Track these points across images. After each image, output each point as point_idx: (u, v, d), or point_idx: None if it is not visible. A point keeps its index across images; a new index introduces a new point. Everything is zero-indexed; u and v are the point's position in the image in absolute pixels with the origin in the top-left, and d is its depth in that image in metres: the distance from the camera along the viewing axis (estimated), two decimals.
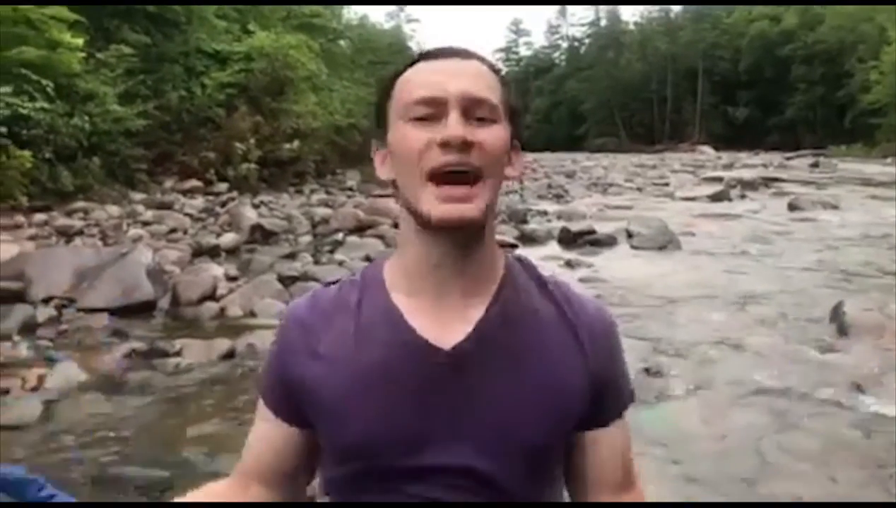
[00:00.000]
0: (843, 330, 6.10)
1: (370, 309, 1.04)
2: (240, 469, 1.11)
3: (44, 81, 12.24)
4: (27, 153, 11.35)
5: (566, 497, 1.13)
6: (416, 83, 0.97)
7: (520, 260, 1.12)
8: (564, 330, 1.05)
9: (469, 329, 1.01)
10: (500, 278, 1.05)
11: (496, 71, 1.02)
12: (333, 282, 1.11)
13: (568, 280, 1.22)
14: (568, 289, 1.10)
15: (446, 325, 1.01)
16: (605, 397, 1.06)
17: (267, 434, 1.09)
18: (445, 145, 0.92)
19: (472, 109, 0.94)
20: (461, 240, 0.98)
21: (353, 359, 1.01)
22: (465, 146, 0.93)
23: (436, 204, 0.94)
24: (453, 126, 0.92)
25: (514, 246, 10.93)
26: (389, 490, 1.00)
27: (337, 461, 1.04)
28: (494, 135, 0.96)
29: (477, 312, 1.02)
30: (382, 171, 1.03)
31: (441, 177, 0.93)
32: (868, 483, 3.62)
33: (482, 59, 1.01)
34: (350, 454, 1.01)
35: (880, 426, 4.30)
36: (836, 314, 6.40)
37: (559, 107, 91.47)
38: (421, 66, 0.99)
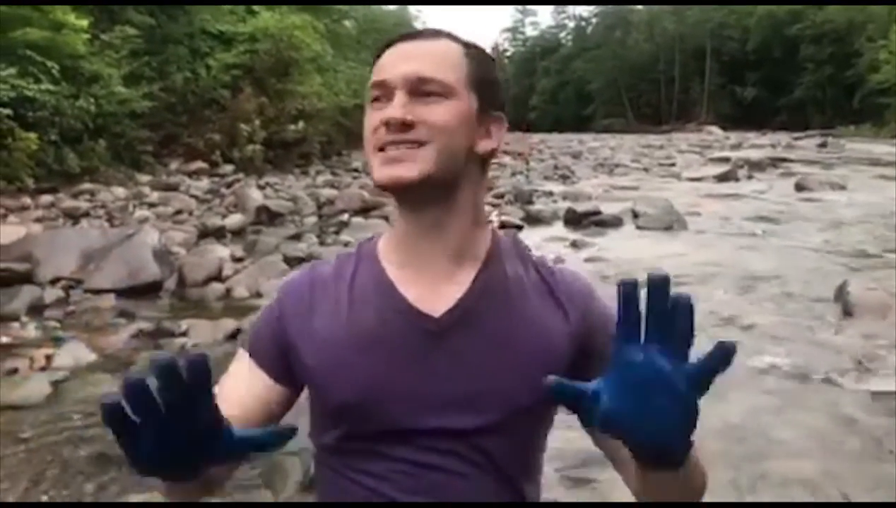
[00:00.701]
0: (847, 310, 6.10)
1: (364, 279, 1.08)
2: None
3: (49, 63, 12.24)
4: (33, 135, 11.37)
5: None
6: (376, 67, 1.03)
7: (509, 236, 1.17)
8: (547, 297, 1.09)
9: (457, 297, 1.05)
10: (486, 250, 1.09)
11: (468, 47, 1.05)
12: (328, 260, 1.16)
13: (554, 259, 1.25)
14: (551, 264, 1.16)
15: (435, 294, 1.05)
16: (592, 358, 1.07)
17: (250, 381, 1.09)
18: (387, 125, 0.98)
19: (419, 88, 0.99)
20: (422, 207, 1.03)
21: (347, 326, 1.05)
22: (405, 126, 0.98)
23: (378, 169, 1.00)
24: (393, 107, 0.98)
25: (519, 226, 10.93)
26: (378, 453, 1.04)
27: (328, 422, 1.08)
28: (441, 110, 0.99)
29: (464, 281, 1.06)
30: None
31: (384, 147, 1.00)
32: (870, 459, 3.64)
33: (451, 37, 1.05)
34: (341, 414, 1.05)
35: (883, 404, 4.31)
36: (841, 293, 6.40)
37: (566, 88, 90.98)
38: (387, 52, 1.03)
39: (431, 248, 1.05)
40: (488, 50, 1.12)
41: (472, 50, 1.05)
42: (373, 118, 1.01)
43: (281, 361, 1.08)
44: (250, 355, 1.11)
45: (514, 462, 1.08)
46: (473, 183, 1.05)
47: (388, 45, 1.04)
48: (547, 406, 1.08)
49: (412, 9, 50.86)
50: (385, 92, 1.00)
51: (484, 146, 1.05)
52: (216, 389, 1.05)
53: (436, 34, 1.04)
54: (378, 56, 1.05)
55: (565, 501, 3.26)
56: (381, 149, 0.99)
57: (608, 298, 1.10)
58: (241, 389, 1.09)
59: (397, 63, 1.00)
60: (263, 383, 1.09)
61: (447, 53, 1.02)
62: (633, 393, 0.75)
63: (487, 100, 1.04)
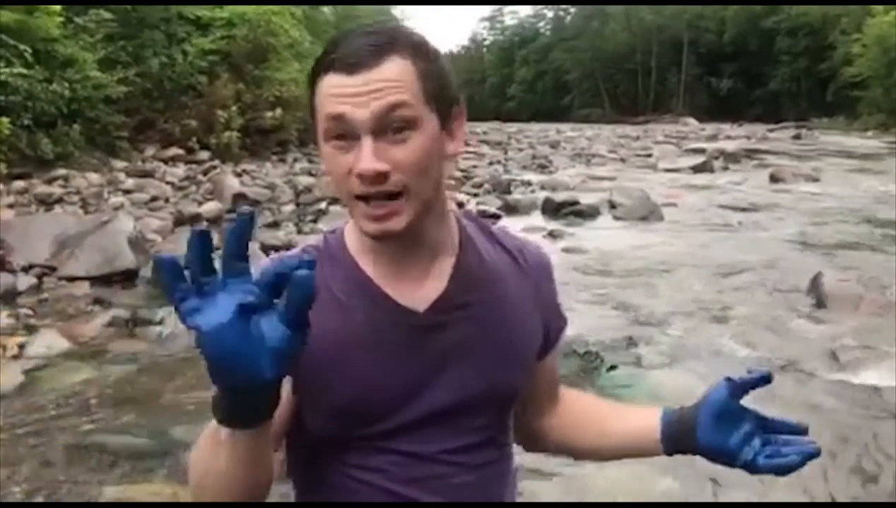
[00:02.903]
0: (821, 301, 6.18)
1: (339, 276, 1.07)
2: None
3: (21, 46, 12.03)
4: (5, 120, 11.17)
5: None
6: (327, 104, 0.96)
7: (469, 217, 1.18)
8: (521, 278, 1.14)
9: (439, 290, 1.06)
10: (457, 238, 1.10)
11: (413, 54, 0.97)
12: (293, 252, 1.10)
13: (506, 225, 1.30)
14: (514, 238, 1.19)
15: (416, 289, 1.06)
16: (552, 328, 1.18)
17: None
18: (360, 177, 0.94)
19: (385, 124, 0.94)
20: None
21: (332, 326, 1.03)
22: (379, 177, 0.94)
23: (365, 221, 0.98)
24: (364, 159, 0.93)
25: (497, 216, 10.94)
26: (373, 448, 1.05)
27: (317, 422, 1.07)
28: (412, 148, 0.95)
29: (443, 273, 1.07)
30: (318, 138, 1.02)
31: (364, 197, 0.96)
32: (841, 450, 3.69)
33: (395, 48, 0.96)
34: (334, 416, 1.05)
35: (854, 395, 4.38)
36: (815, 285, 6.47)
37: (544, 78, 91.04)
38: (330, 81, 0.95)
39: (406, 246, 1.04)
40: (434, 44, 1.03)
41: (418, 57, 0.97)
42: (339, 162, 0.96)
43: None
44: None
45: (503, 433, 1.14)
46: (441, 182, 1.04)
47: (330, 66, 0.95)
48: (527, 376, 1.15)
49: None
50: (346, 131, 0.95)
51: (451, 150, 1.03)
52: None
53: (380, 51, 0.94)
54: (317, 74, 0.97)
55: (566, 501, 3.28)
56: (359, 197, 0.96)
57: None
58: None
59: (355, 102, 0.93)
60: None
61: (400, 76, 0.94)
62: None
63: (445, 104, 1.00)
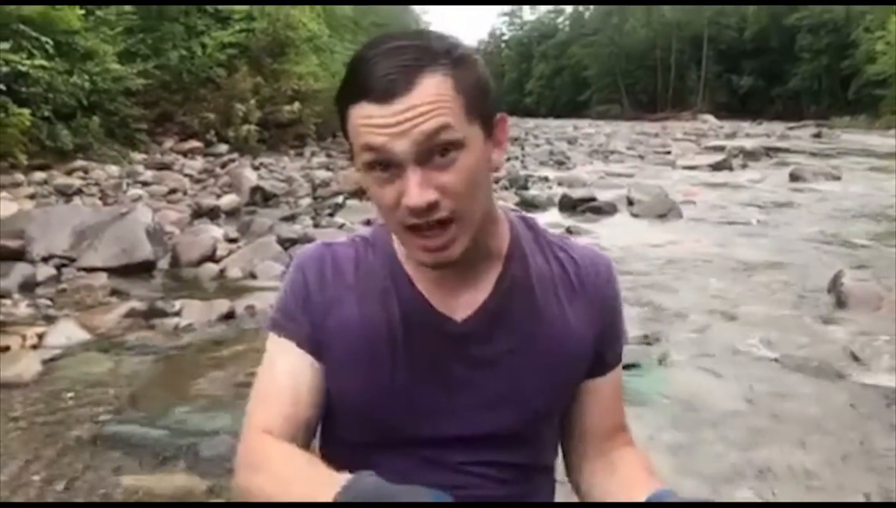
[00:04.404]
0: (841, 301, 6.12)
1: (382, 273, 1.04)
2: (261, 426, 1.01)
3: (43, 38, 12.11)
4: (26, 111, 11.26)
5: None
6: (363, 134, 0.90)
7: (524, 220, 1.12)
8: (572, 293, 1.06)
9: (480, 300, 1.02)
10: (507, 244, 1.05)
11: (452, 64, 0.91)
12: (342, 240, 1.10)
13: (567, 236, 1.23)
14: (571, 248, 1.11)
15: (456, 296, 1.02)
16: (607, 345, 1.09)
17: (293, 366, 1.03)
18: (410, 210, 0.90)
19: (429, 150, 0.89)
20: None
21: (366, 322, 1.01)
22: (430, 208, 0.89)
23: (418, 252, 0.94)
24: (412, 194, 0.88)
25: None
26: (397, 451, 1.03)
27: (340, 419, 1.06)
28: (459, 170, 0.90)
29: (487, 282, 1.03)
30: (356, 166, 0.96)
31: (415, 227, 0.92)
32: (861, 451, 3.65)
33: (429, 62, 0.89)
34: (356, 412, 1.03)
35: (874, 396, 4.33)
36: (835, 284, 6.41)
37: (562, 73, 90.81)
38: (363, 111, 0.90)
39: None
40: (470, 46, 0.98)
41: (454, 67, 0.91)
42: (385, 194, 0.91)
43: (315, 335, 1.02)
44: (285, 336, 1.04)
45: (526, 461, 1.07)
46: (490, 193, 1.00)
47: (361, 95, 0.89)
48: (561, 405, 1.09)
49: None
50: (388, 161, 0.89)
51: (497, 159, 0.98)
52: (259, 391, 1.03)
53: (412, 71, 0.88)
54: (347, 101, 0.92)
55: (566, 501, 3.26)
56: (410, 228, 0.92)
57: None
58: (290, 383, 1.02)
59: (393, 133, 0.87)
60: (310, 366, 1.03)
61: (438, 96, 0.88)
62: None
63: (488, 114, 0.95)
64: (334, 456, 1.09)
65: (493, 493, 1.03)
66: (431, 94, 0.87)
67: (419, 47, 0.89)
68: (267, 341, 1.07)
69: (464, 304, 1.02)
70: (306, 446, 1.05)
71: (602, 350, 1.08)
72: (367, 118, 0.89)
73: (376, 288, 1.03)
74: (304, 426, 1.03)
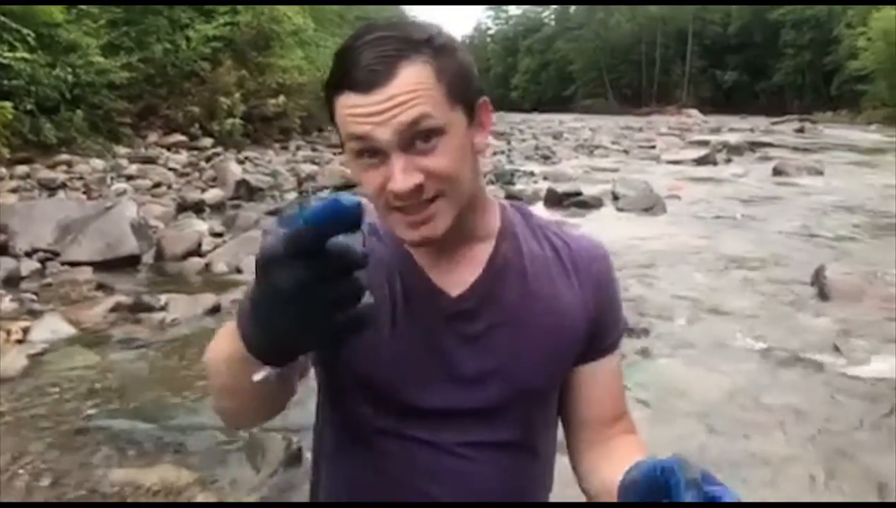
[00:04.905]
0: (823, 293, 6.18)
1: (384, 250, 1.06)
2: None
3: (24, 30, 11.99)
4: (8, 104, 11.16)
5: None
6: (348, 123, 0.92)
7: (516, 207, 1.15)
8: (563, 274, 1.09)
9: (473, 277, 1.05)
10: (498, 226, 1.08)
11: (431, 52, 0.92)
12: None
13: (562, 223, 1.25)
14: (566, 233, 1.14)
15: (452, 274, 1.05)
16: (603, 330, 1.10)
17: None
18: (395, 194, 0.93)
19: (411, 137, 0.91)
20: None
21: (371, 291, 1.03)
22: (415, 191, 0.92)
23: (403, 230, 0.97)
24: (396, 179, 0.91)
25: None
26: (387, 431, 1.05)
27: (337, 396, 1.08)
28: (442, 154, 0.92)
29: (479, 261, 1.06)
30: (346, 155, 0.98)
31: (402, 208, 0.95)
32: (844, 441, 3.70)
33: (409, 50, 0.90)
34: (353, 388, 1.05)
35: (857, 386, 4.39)
36: (818, 277, 6.47)
37: (548, 68, 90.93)
38: (347, 101, 0.91)
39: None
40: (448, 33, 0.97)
41: (435, 55, 0.92)
42: (371, 178, 0.94)
43: None
44: None
45: (531, 436, 1.09)
46: (476, 175, 1.03)
47: (344, 84, 0.91)
48: (556, 386, 1.10)
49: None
50: (372, 148, 0.92)
51: (480, 142, 1.00)
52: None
53: (393, 61, 0.89)
54: (333, 91, 0.93)
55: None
56: (395, 209, 0.95)
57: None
58: None
59: (376, 121, 0.90)
60: None
61: (418, 84, 0.90)
62: None
63: (470, 97, 0.97)
64: (332, 438, 1.11)
65: (487, 474, 1.05)
66: (411, 84, 0.90)
67: (400, 38, 0.91)
68: None
69: (459, 281, 1.04)
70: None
71: (596, 334, 1.09)
72: (351, 108, 0.91)
73: (380, 261, 1.05)
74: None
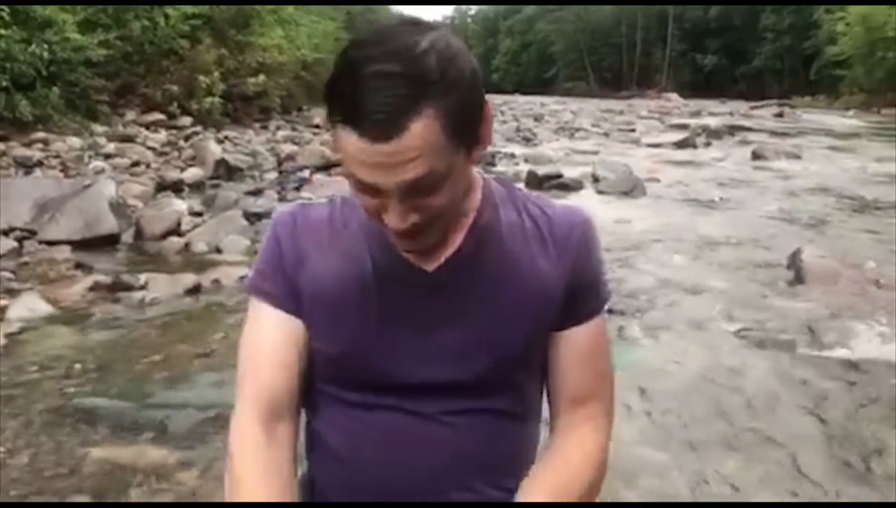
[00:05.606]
0: (799, 277, 6.25)
1: (358, 230, 1.08)
2: (252, 398, 1.05)
3: None
4: None
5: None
6: (351, 163, 0.92)
7: (502, 182, 1.17)
8: (540, 242, 1.10)
9: (451, 250, 1.07)
10: (479, 200, 1.10)
11: (439, 95, 0.89)
12: (320, 201, 1.15)
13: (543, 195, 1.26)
14: (547, 204, 1.15)
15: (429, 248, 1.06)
16: (580, 295, 1.12)
17: (275, 328, 1.07)
18: (392, 229, 0.97)
19: (415, 188, 0.92)
20: None
21: (340, 276, 1.05)
22: (410, 228, 0.96)
23: (392, 236, 1.00)
24: (393, 220, 0.94)
25: None
26: (367, 404, 1.07)
27: (317, 369, 1.09)
28: (442, 194, 0.94)
29: (458, 234, 1.07)
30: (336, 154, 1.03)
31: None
32: (818, 424, 3.76)
33: (417, 101, 0.87)
34: (331, 363, 1.07)
35: (832, 368, 4.45)
36: (794, 260, 6.54)
37: (529, 49, 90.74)
38: (355, 143, 0.89)
39: None
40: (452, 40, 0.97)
41: (446, 94, 0.89)
42: (369, 203, 0.96)
43: (292, 292, 1.07)
44: (264, 298, 1.09)
45: (506, 407, 1.10)
46: (468, 181, 1.04)
47: (353, 123, 0.88)
48: (537, 352, 1.11)
49: None
50: (375, 189, 0.93)
51: (478, 155, 1.00)
52: (246, 360, 1.07)
53: (405, 111, 0.87)
54: (337, 118, 0.90)
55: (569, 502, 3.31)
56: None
57: None
58: (273, 346, 1.06)
59: (382, 172, 0.90)
60: (291, 324, 1.07)
61: (426, 139, 0.88)
62: None
63: (474, 129, 0.96)
64: (317, 412, 1.12)
65: (471, 441, 1.07)
66: (418, 142, 0.88)
67: (409, 75, 0.87)
68: (248, 305, 1.12)
69: (435, 255, 1.06)
70: (302, 395, 1.10)
71: (573, 299, 1.10)
72: (356, 151, 0.90)
73: (349, 242, 1.07)
74: (292, 387, 1.07)
